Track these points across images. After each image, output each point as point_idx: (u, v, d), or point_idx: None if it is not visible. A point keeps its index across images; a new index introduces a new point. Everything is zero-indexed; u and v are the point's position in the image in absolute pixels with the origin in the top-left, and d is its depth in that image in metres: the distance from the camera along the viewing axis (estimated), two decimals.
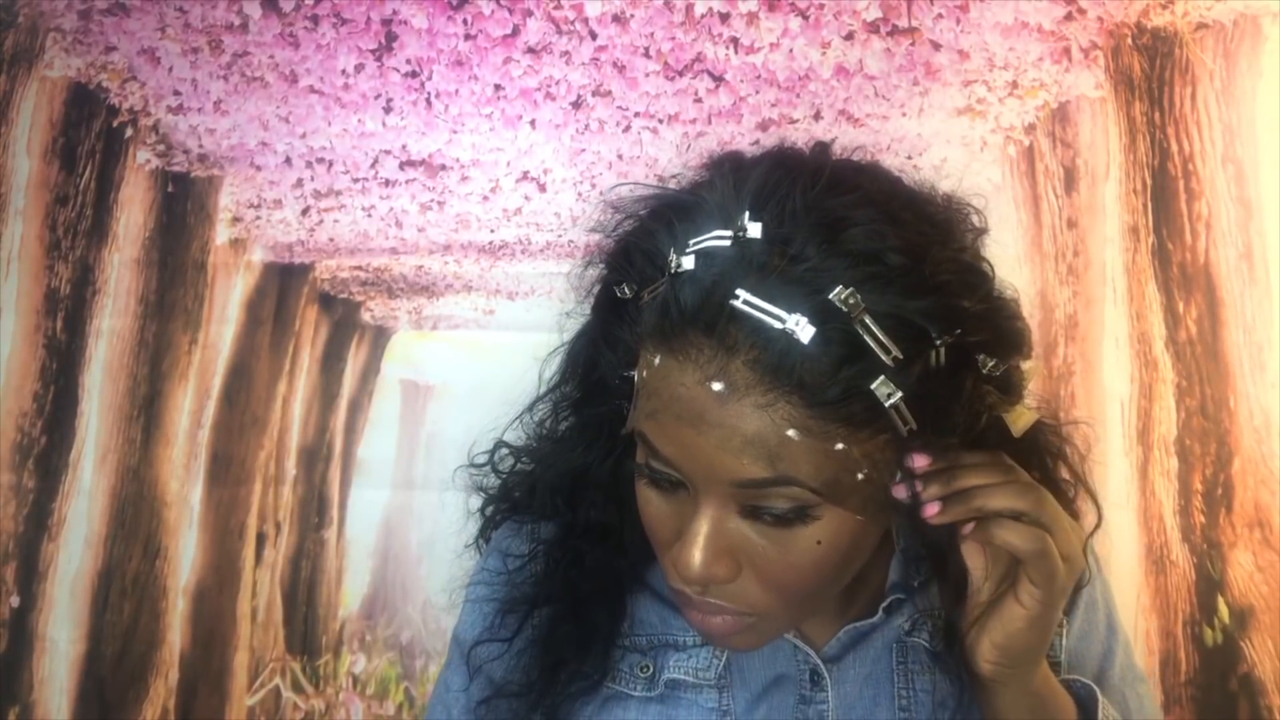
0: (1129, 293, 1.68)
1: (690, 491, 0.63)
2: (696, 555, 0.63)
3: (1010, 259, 1.69)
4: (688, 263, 0.61)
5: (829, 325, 0.57)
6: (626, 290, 0.65)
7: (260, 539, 1.72)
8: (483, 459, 0.82)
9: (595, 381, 0.72)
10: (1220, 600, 1.62)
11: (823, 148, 0.68)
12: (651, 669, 0.77)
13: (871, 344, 0.57)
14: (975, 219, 0.67)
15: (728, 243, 0.60)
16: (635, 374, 0.65)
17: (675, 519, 0.65)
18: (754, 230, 0.59)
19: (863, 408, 0.58)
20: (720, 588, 0.65)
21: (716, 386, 0.59)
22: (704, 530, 0.63)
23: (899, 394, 0.58)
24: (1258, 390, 1.64)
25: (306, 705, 1.69)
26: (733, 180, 0.63)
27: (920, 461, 0.63)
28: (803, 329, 0.57)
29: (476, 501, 0.83)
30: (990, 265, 0.65)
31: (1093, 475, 0.76)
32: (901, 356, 0.57)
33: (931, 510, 0.64)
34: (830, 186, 0.61)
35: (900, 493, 0.63)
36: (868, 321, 0.57)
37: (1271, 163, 1.67)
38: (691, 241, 0.61)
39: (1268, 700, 1.60)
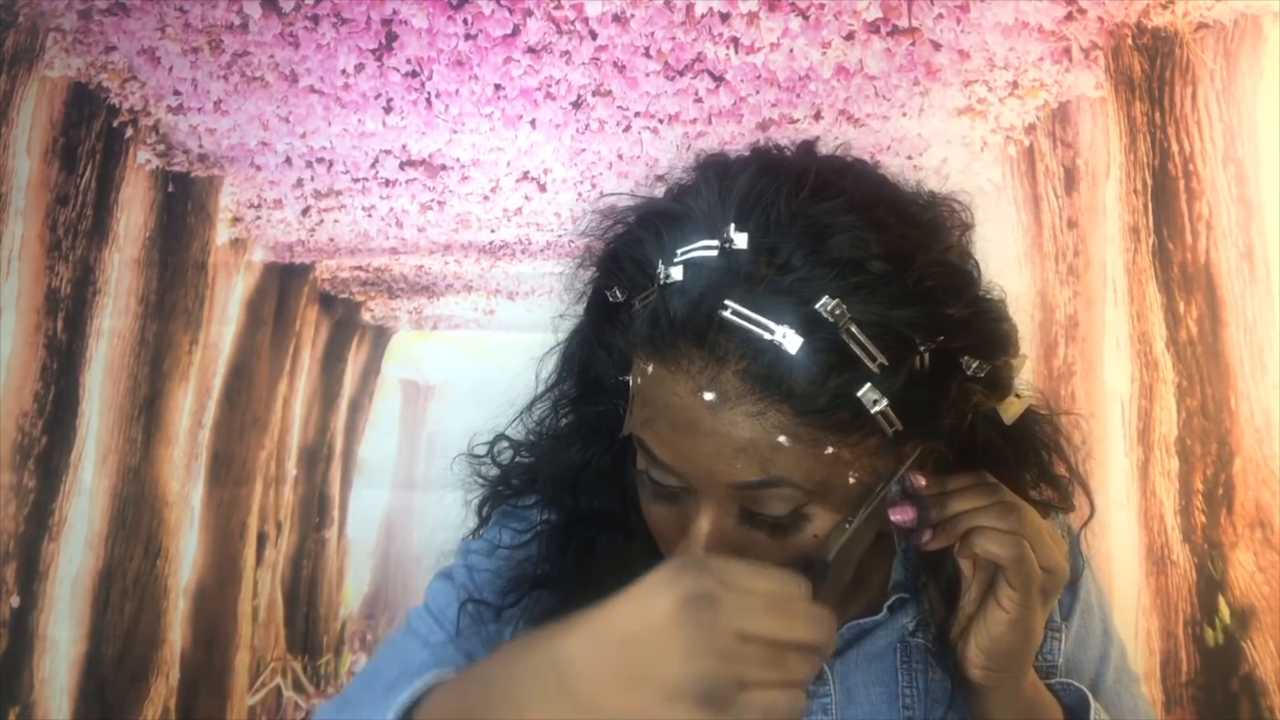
0: (1129, 293, 1.68)
1: (692, 494, 0.64)
2: (700, 555, 0.63)
3: (1010, 259, 1.69)
4: (676, 273, 0.61)
5: (816, 335, 0.58)
6: (618, 294, 0.66)
7: (261, 539, 1.72)
8: (482, 450, 0.83)
9: (591, 380, 0.73)
10: (1221, 600, 1.62)
11: (808, 147, 0.69)
12: None
13: (858, 352, 0.58)
14: (962, 215, 0.68)
15: (714, 253, 0.61)
16: (630, 379, 0.66)
17: (679, 520, 0.66)
18: (740, 240, 0.60)
19: (850, 414, 0.59)
20: None
21: (708, 396, 0.60)
22: (705, 530, 0.64)
23: (884, 400, 0.59)
24: (1259, 390, 1.64)
25: (308, 705, 1.68)
26: (718, 187, 0.63)
27: (918, 482, 0.65)
28: (790, 340, 0.58)
29: (476, 493, 0.83)
30: (977, 264, 0.66)
31: (1093, 475, 0.77)
32: (887, 363, 0.58)
33: (924, 538, 0.66)
34: (814, 192, 0.62)
35: (900, 516, 0.65)
36: (854, 331, 0.58)
37: (1272, 163, 1.67)
38: (679, 251, 0.62)
39: (1269, 701, 1.60)
